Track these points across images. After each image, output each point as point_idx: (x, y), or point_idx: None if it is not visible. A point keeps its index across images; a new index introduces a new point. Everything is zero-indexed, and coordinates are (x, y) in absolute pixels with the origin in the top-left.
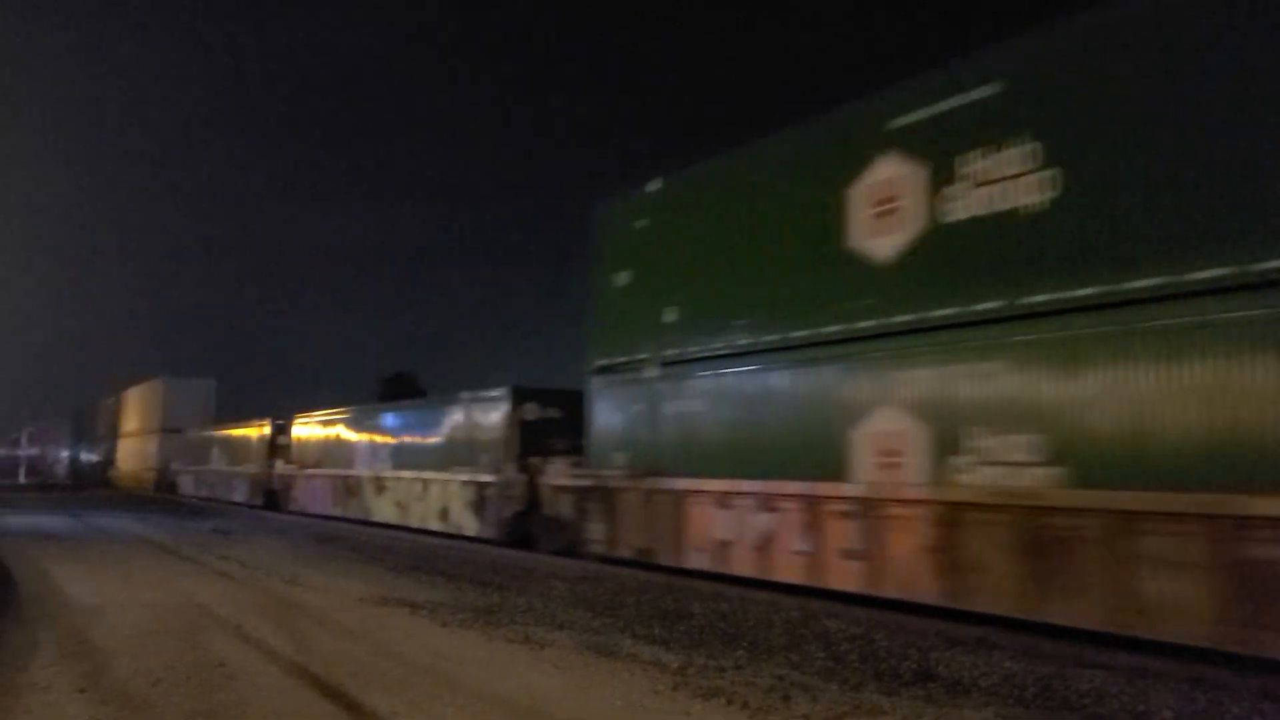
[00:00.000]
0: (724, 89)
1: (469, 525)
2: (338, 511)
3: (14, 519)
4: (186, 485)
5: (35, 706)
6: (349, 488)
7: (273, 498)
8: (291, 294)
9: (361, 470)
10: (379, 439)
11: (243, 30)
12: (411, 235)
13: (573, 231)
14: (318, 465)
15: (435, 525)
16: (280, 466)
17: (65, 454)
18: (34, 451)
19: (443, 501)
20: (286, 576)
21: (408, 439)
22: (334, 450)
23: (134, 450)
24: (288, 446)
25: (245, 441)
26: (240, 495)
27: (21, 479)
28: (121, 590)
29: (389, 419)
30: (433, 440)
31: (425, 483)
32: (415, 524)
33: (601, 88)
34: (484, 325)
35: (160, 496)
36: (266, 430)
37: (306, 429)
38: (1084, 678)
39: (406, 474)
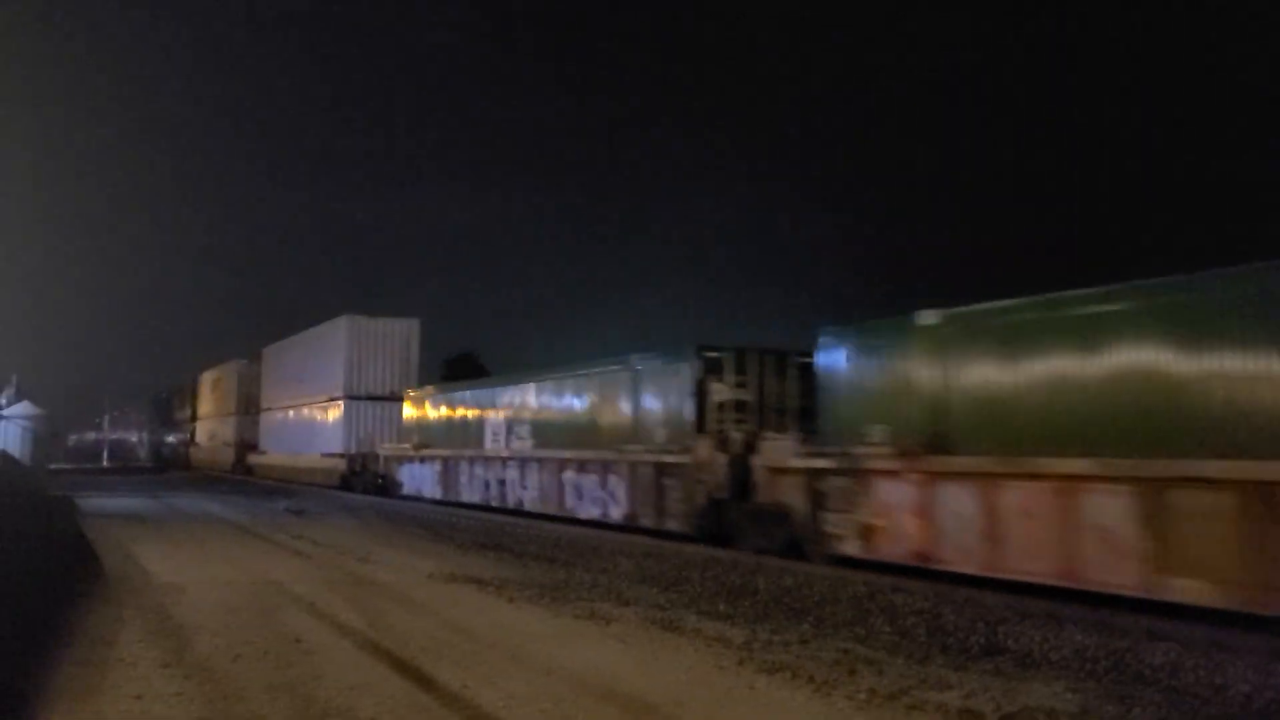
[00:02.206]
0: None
1: None
2: None
3: (104, 500)
4: (419, 481)
5: (123, 681)
6: None
7: (721, 514)
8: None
9: None
10: None
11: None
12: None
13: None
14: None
15: None
16: (773, 449)
17: (145, 438)
18: (116, 436)
19: None
20: (358, 555)
21: None
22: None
23: (290, 430)
24: (745, 405)
25: (605, 399)
26: (606, 506)
27: (105, 463)
28: (201, 569)
29: None
30: None
31: None
32: None
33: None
34: (537, 310)
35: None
36: (685, 374)
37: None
38: (1157, 651)
39: None
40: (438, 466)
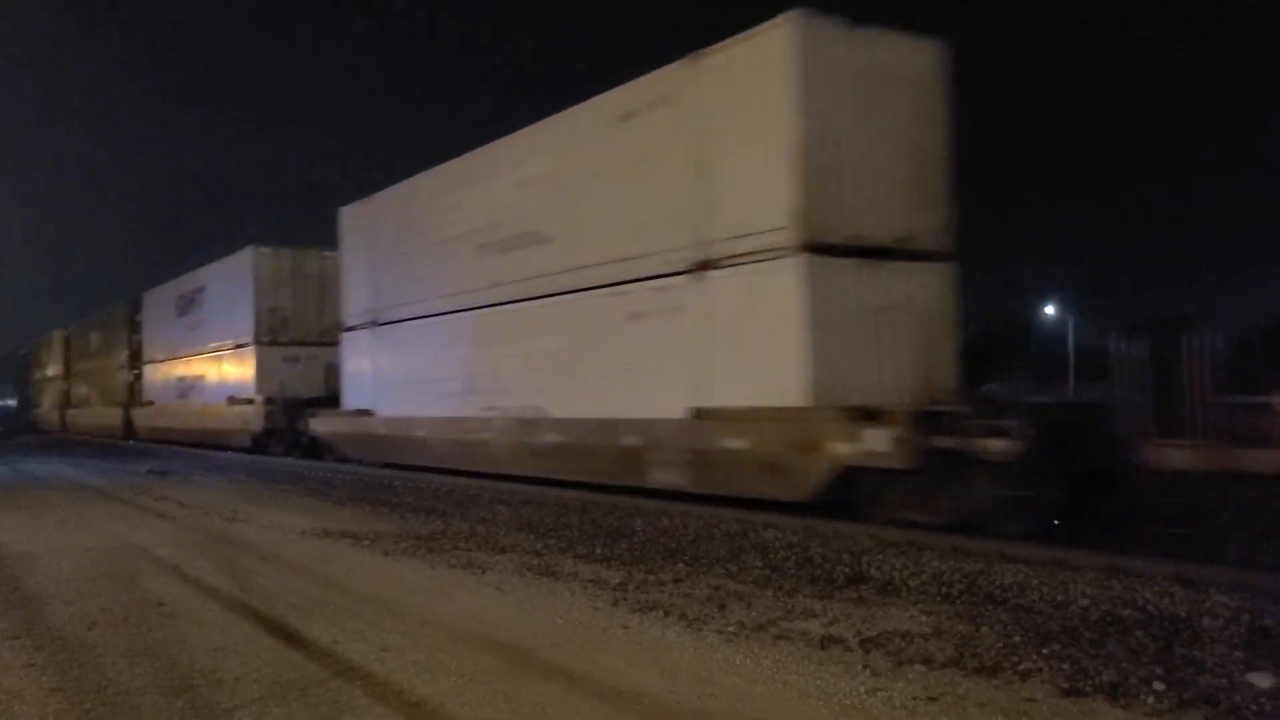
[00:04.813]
0: None
1: None
2: None
3: None
4: None
5: None
6: None
7: None
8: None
9: None
10: None
11: None
12: None
13: None
14: None
15: None
16: None
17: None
18: None
19: None
20: (226, 514)
21: None
22: None
23: (530, 357)
24: None
25: None
26: None
27: None
28: (55, 536)
29: None
30: None
31: None
32: None
33: None
34: None
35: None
36: None
37: None
38: (1007, 572)
39: None
40: None
